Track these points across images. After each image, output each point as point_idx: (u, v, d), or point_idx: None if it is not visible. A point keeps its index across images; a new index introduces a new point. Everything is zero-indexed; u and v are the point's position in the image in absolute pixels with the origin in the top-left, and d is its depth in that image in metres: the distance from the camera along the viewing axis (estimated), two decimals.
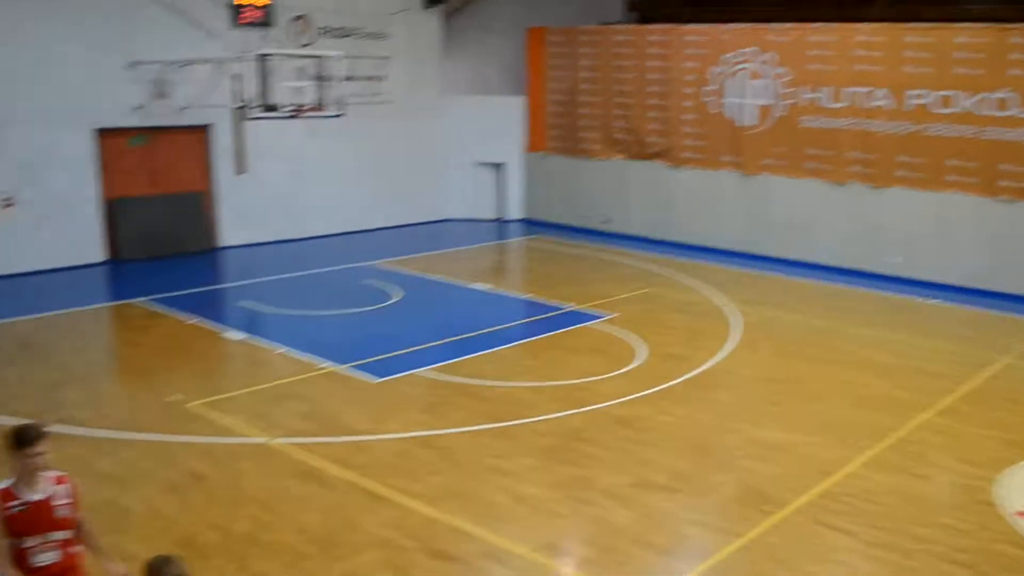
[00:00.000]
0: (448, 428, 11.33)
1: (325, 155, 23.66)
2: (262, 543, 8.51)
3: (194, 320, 15.95)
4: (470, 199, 26.91)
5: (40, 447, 5.45)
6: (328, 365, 13.56)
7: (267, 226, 22.90)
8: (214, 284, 19.72)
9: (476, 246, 23.88)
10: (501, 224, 26.53)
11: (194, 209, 21.77)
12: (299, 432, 11.07)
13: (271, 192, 22.76)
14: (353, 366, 13.53)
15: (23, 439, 5.43)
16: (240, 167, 20.26)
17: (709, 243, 22.89)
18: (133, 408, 11.88)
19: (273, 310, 16.73)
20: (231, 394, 12.44)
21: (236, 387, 12.75)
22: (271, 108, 18.10)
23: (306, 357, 13.92)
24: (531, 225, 26.08)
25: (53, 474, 5.69)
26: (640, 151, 24.24)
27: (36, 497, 5.51)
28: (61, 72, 19.11)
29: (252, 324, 15.91)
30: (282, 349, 14.30)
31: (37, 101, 18.90)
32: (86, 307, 17.18)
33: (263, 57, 17.95)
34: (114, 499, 9.31)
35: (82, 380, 13.04)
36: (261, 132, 21.42)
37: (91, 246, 20.19)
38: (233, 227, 22.45)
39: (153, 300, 17.15)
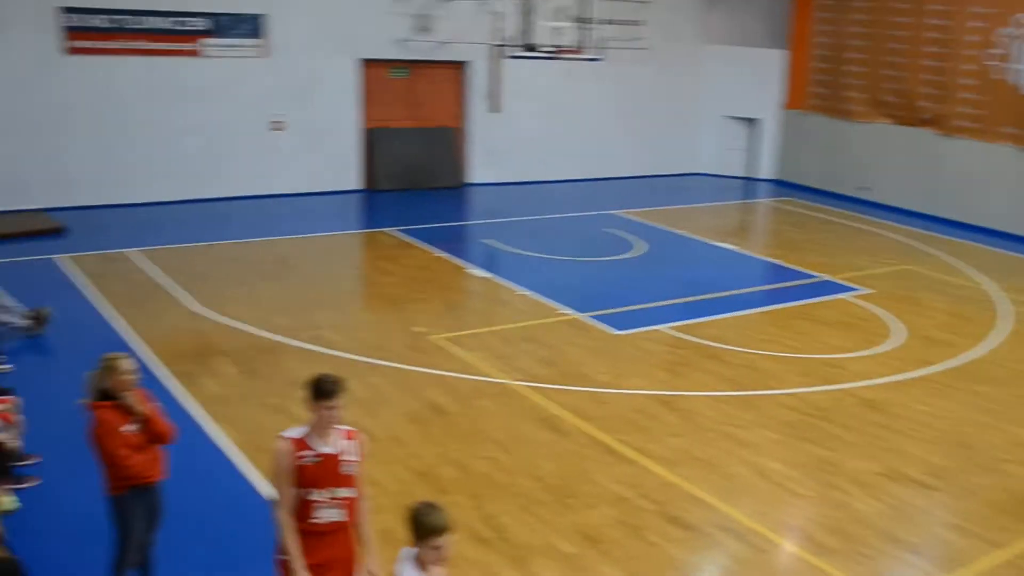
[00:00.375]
0: (689, 390, 11.01)
1: (578, 99, 23.51)
2: (498, 484, 8.54)
3: (441, 254, 16.29)
4: (719, 154, 26.16)
5: (338, 400, 5.30)
6: (569, 312, 13.49)
7: (515, 166, 23.08)
8: (461, 220, 20.09)
9: (723, 203, 23.19)
10: (750, 183, 25.65)
11: (446, 144, 22.18)
12: (538, 377, 11.06)
13: (522, 133, 22.87)
14: (593, 315, 13.39)
15: (323, 391, 5.28)
16: (494, 106, 20.42)
17: (978, 221, 21.20)
18: (381, 335, 12.22)
19: (516, 251, 16.83)
20: (474, 331, 12.59)
21: (478, 324, 12.90)
22: (530, 48, 18.05)
23: (547, 301, 13.90)
24: (782, 186, 25.06)
25: (344, 428, 5.54)
26: (909, 116, 22.68)
27: (327, 450, 5.34)
28: (332, 4, 19.77)
29: (495, 263, 16.07)
30: (523, 291, 14.35)
31: (309, 30, 19.67)
32: (341, 232, 17.88)
33: None
34: (358, 422, 9.53)
35: (335, 302, 13.56)
36: (517, 72, 21.51)
37: (348, 173, 20.99)
38: (482, 165, 22.76)
39: (404, 230, 17.64)
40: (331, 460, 5.34)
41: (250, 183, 19.66)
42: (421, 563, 4.61)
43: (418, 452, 9.07)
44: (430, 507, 4.66)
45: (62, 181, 17.83)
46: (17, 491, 7.76)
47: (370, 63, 20.74)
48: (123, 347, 11.11)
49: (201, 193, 19.11)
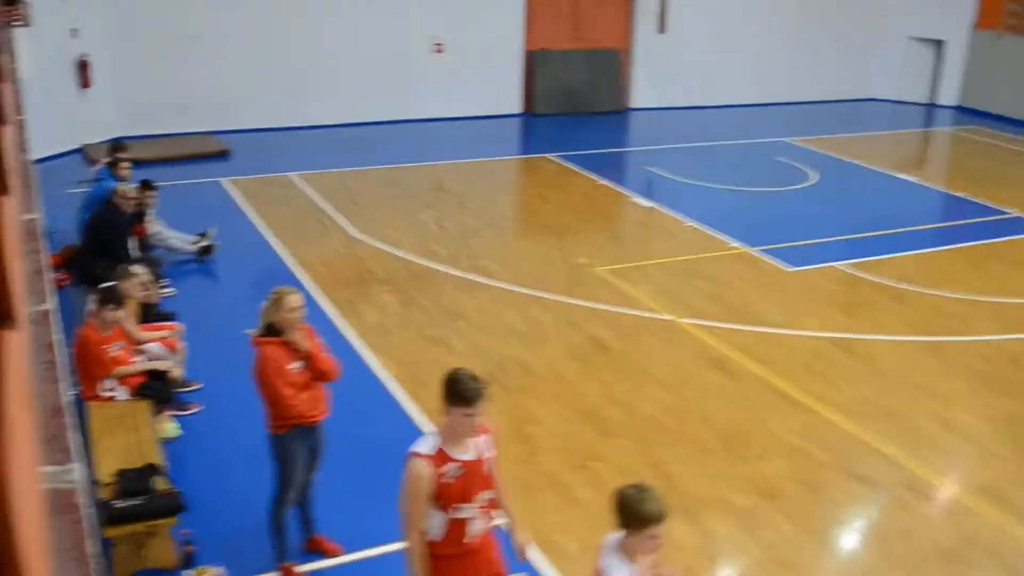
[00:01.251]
0: (870, 333, 10.24)
1: (748, 18, 22.26)
2: (666, 429, 8.08)
3: (604, 181, 15.73)
4: (900, 78, 24.42)
5: (480, 407, 4.42)
6: (738, 245, 12.78)
7: (680, 90, 22.12)
8: (624, 146, 19.44)
9: (903, 131, 21.73)
10: (932, 109, 23.91)
11: (611, 67, 21.41)
12: (707, 314, 10.46)
13: (688, 55, 21.84)
14: (764, 250, 12.65)
15: (463, 396, 4.40)
16: (662, 26, 19.53)
17: None
18: (542, 266, 11.82)
19: (682, 179, 16.09)
20: (638, 263, 12.06)
21: (643, 257, 12.35)
22: None
23: (715, 233, 13.21)
24: (968, 113, 23.25)
25: None
26: None
27: (469, 456, 4.57)
28: None
29: (660, 191, 15.40)
30: (691, 222, 13.68)
31: None
32: (501, 157, 17.52)
33: None
34: (518, 356, 9.27)
35: (494, 230, 13.24)
36: None
37: (509, 97, 20.52)
38: (645, 89, 21.91)
39: (564, 156, 17.12)
40: (475, 466, 4.59)
41: (409, 106, 19.43)
42: (629, 552, 4.05)
43: (580, 390, 8.68)
44: (644, 492, 4.02)
45: (226, 103, 17.98)
46: (179, 418, 7.76)
47: None
48: (284, 273, 11.10)
49: (360, 116, 18.99)
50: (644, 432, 8.01)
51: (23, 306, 2.68)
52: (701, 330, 10.05)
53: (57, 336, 3.58)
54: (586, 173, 16.13)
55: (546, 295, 10.79)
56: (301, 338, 5.63)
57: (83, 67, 16.43)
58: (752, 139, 19.47)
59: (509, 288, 10.95)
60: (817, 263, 12.32)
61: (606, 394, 8.62)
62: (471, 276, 11.25)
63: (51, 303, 3.86)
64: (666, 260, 12.19)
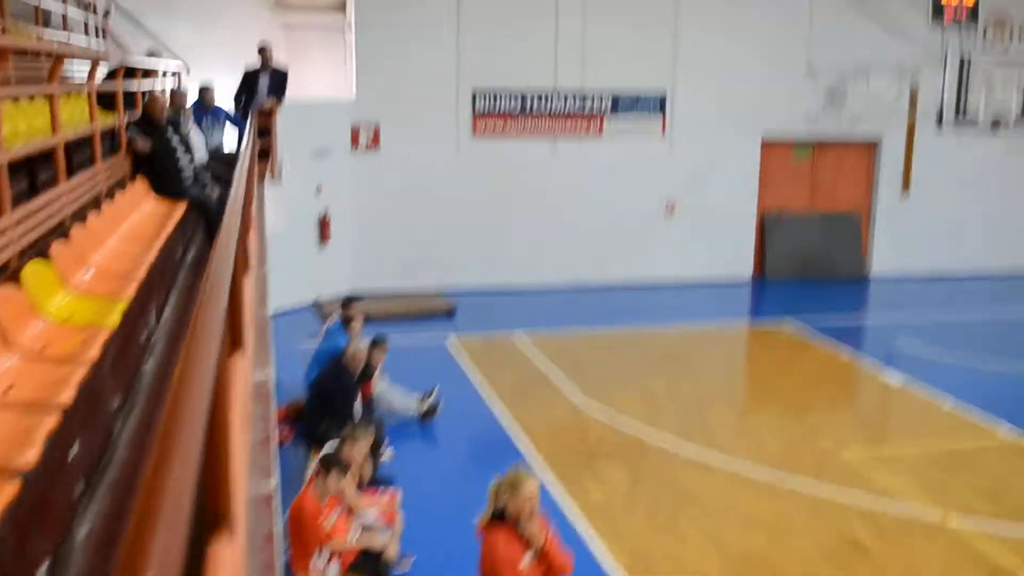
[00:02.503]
0: None
1: (1003, 176, 20.61)
2: None
3: (847, 354, 14.55)
4: None
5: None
6: (1011, 433, 11.28)
7: (924, 255, 20.64)
8: (867, 316, 18.14)
9: None
10: None
11: (850, 231, 20.34)
12: (983, 514, 9.08)
13: (934, 217, 20.45)
14: None
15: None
16: (905, 184, 18.56)
17: None
18: (783, 447, 10.73)
19: (938, 355, 14.64)
20: (894, 450, 10.79)
21: (899, 442, 11.09)
22: (967, 122, 15.99)
23: (983, 419, 11.76)
24: None
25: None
26: None
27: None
28: (736, 78, 18.86)
29: (911, 368, 13.95)
30: (951, 405, 12.27)
31: (711, 108, 18.85)
32: (734, 324, 16.67)
33: (965, 63, 15.88)
34: (763, 553, 8.22)
35: (729, 404, 12.35)
36: (931, 148, 19.49)
37: (741, 261, 19.76)
38: (887, 254, 20.62)
39: (803, 326, 16.06)
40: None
41: (640, 269, 18.97)
42: None
43: None
44: None
45: (457, 263, 18.09)
46: None
47: (770, 145, 19.50)
48: (506, 441, 10.57)
49: (587, 277, 18.67)
50: None
51: (241, 508, 2.18)
52: (978, 535, 8.69)
53: (277, 527, 3.07)
54: (826, 344, 15.00)
55: (790, 480, 9.72)
56: (537, 530, 4.96)
57: (323, 223, 16.96)
58: (1014, 311, 17.73)
59: (748, 470, 9.95)
60: None
61: None
62: (705, 454, 10.33)
63: (275, 479, 3.38)
64: (927, 449, 10.85)
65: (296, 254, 15.78)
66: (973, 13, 16.76)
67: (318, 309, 16.22)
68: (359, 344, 9.99)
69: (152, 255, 6.05)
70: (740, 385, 13.43)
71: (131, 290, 5.15)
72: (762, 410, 12.22)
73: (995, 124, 16.16)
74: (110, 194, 6.92)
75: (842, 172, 20.30)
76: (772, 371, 13.77)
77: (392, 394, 11.11)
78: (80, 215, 5.98)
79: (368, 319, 12.58)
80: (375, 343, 10.84)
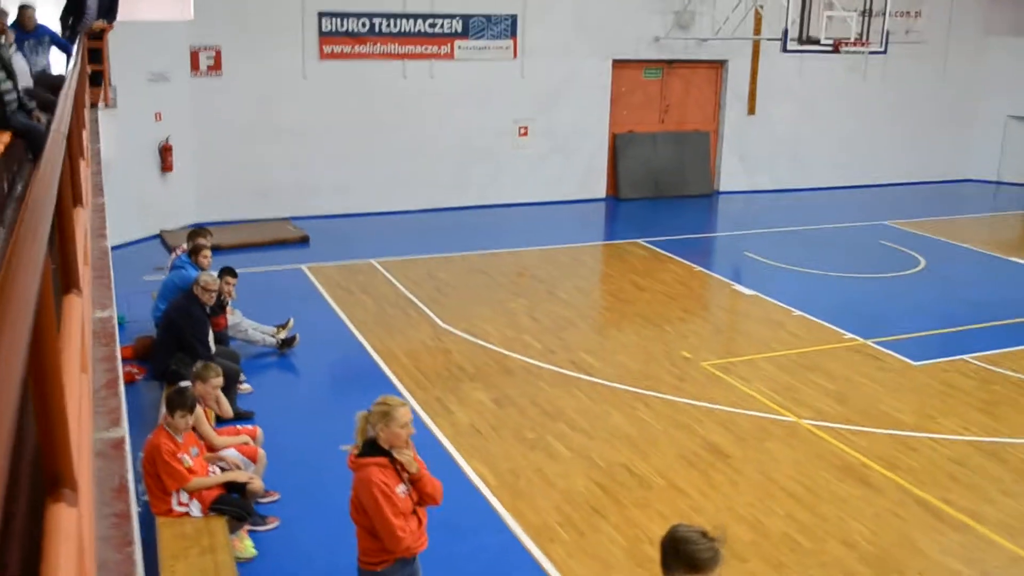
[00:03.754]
0: (1017, 437, 9.15)
1: (841, 98, 21.44)
2: (802, 550, 7.09)
3: (700, 268, 14.91)
4: (999, 158, 23.31)
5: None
6: (853, 337, 11.79)
7: (769, 172, 21.28)
8: (715, 231, 18.57)
9: (1008, 213, 20.56)
10: None
11: (699, 150, 20.71)
12: (832, 416, 9.47)
13: (778, 136, 21.06)
14: (883, 341, 11.65)
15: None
16: (750, 107, 18.87)
17: None
18: (644, 360, 10.93)
19: (781, 265, 15.17)
20: (747, 357, 11.12)
21: (752, 351, 11.40)
22: (812, 41, 16.34)
23: (827, 324, 12.24)
24: None
25: None
26: None
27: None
28: (587, 2, 18.78)
29: (760, 279, 14.44)
30: (799, 312, 12.72)
31: (562, 30, 18.73)
32: (588, 243, 16.81)
33: None
34: (630, 463, 8.37)
35: (589, 321, 12.47)
36: (776, 69, 19.94)
37: (595, 181, 19.89)
38: (734, 172, 21.13)
39: (654, 242, 16.33)
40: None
41: (493, 191, 18.89)
42: None
43: (701, 504, 7.74)
44: (701, 535, 3.45)
45: (307, 189, 17.61)
46: (256, 535, 6.97)
47: (622, 64, 19.55)
48: (369, 367, 10.42)
49: (443, 202, 18.48)
50: (776, 553, 7.02)
51: (83, 465, 1.99)
52: (828, 433, 9.07)
53: (129, 474, 2.85)
54: (680, 259, 15.31)
55: (652, 393, 9.91)
56: (411, 458, 4.84)
57: (165, 151, 16.19)
58: (850, 222, 18.49)
59: (611, 385, 10.09)
60: (942, 356, 11.29)
61: (729, 508, 7.67)
62: (569, 372, 10.42)
63: (123, 424, 3.13)
64: (778, 354, 11.23)
65: (137, 184, 15.06)
66: None
67: (163, 241, 15.56)
68: (209, 275, 9.56)
69: None
70: (599, 303, 13.56)
71: None
72: (621, 326, 12.38)
73: (836, 44, 16.55)
74: None
75: (691, 92, 20.55)
76: (629, 287, 13.96)
77: (247, 324, 10.76)
78: None
79: (217, 249, 12.11)
80: (225, 271, 10.43)
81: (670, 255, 15.56)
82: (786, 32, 16.73)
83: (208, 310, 9.43)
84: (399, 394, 9.57)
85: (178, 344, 9.09)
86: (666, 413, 9.42)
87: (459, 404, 9.53)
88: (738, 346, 11.74)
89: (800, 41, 16.53)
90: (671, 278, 14.39)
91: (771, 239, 16.91)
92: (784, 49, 17.03)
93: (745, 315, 13.19)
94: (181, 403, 6.61)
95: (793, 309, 12.81)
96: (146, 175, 15.83)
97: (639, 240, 16.48)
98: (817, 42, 16.50)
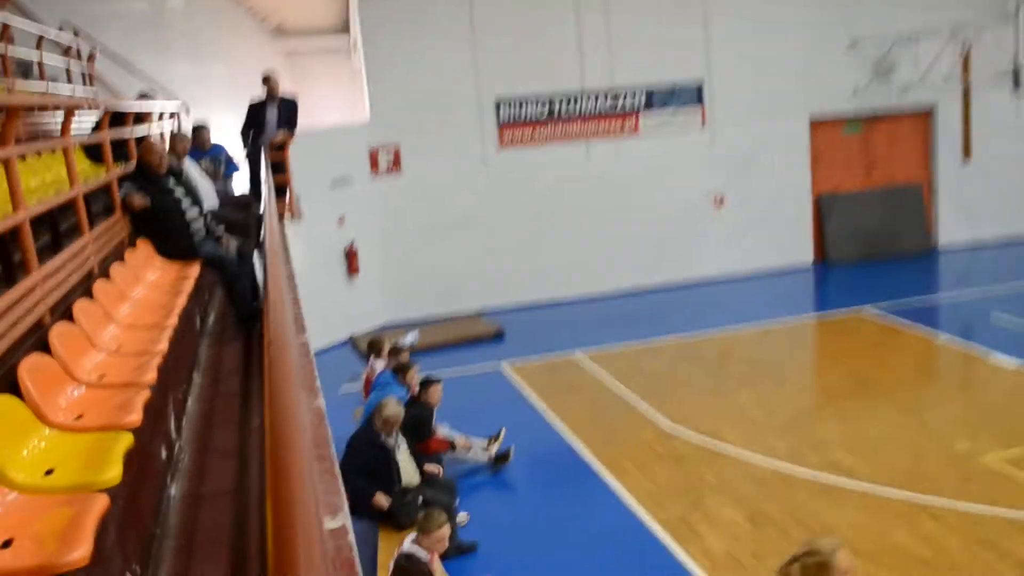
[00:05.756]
0: None
1: None
2: None
3: (943, 337, 13.15)
4: None
5: None
6: None
7: (993, 221, 19.17)
8: (945, 292, 16.65)
9: None
10: None
11: (912, 204, 18.90)
12: None
13: (999, 181, 18.98)
14: None
15: None
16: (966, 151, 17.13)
17: None
18: (914, 457, 9.34)
19: None
20: None
21: None
22: None
23: None
24: None
25: None
26: None
27: None
28: (773, 58, 17.51)
29: (1019, 346, 12.52)
30: None
31: (752, 91, 17.50)
32: (806, 316, 15.29)
33: None
34: None
35: (834, 411, 10.94)
36: (990, 110, 18.12)
37: (799, 247, 18.36)
38: (953, 223, 19.16)
39: (881, 309, 14.65)
40: None
41: (691, 267, 17.63)
42: None
43: None
44: None
45: (496, 280, 16.83)
46: None
47: (819, 124, 18.11)
48: (596, 484, 9.25)
49: (638, 283, 17.33)
50: None
51: None
52: None
53: None
54: (917, 328, 13.60)
55: (934, 499, 8.33)
56: None
57: (351, 255, 15.73)
58: None
59: (883, 491, 8.57)
60: None
61: None
62: (828, 476, 8.96)
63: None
64: None
65: (325, 290, 14.56)
66: None
67: (354, 345, 14.99)
68: (396, 406, 8.56)
69: (163, 344, 4.78)
70: (837, 387, 11.90)
71: (138, 408, 3.87)
72: (873, 415, 10.67)
73: None
74: (104, 271, 5.65)
75: (897, 144, 18.86)
76: (868, 367, 12.29)
77: (457, 438, 9.80)
78: (65, 305, 4.71)
79: (410, 352, 11.31)
80: (426, 385, 9.57)
81: (904, 324, 13.87)
82: (1017, 73, 14.97)
83: (396, 440, 8.52)
84: (632, 511, 8.40)
85: (367, 481, 8.24)
86: (960, 527, 7.83)
87: (708, 525, 8.22)
88: (1020, 434, 9.96)
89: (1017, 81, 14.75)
90: (913, 352, 12.73)
91: (1014, 299, 14.89)
92: (1016, 86, 15.23)
93: (1016, 393, 11.33)
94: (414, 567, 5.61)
95: None
96: (333, 280, 15.39)
97: (863, 308, 14.82)
98: None
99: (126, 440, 3.58)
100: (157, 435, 4.39)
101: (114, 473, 3.30)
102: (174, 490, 4.52)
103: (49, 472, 3.34)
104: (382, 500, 8.26)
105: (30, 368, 3.78)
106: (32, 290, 4.32)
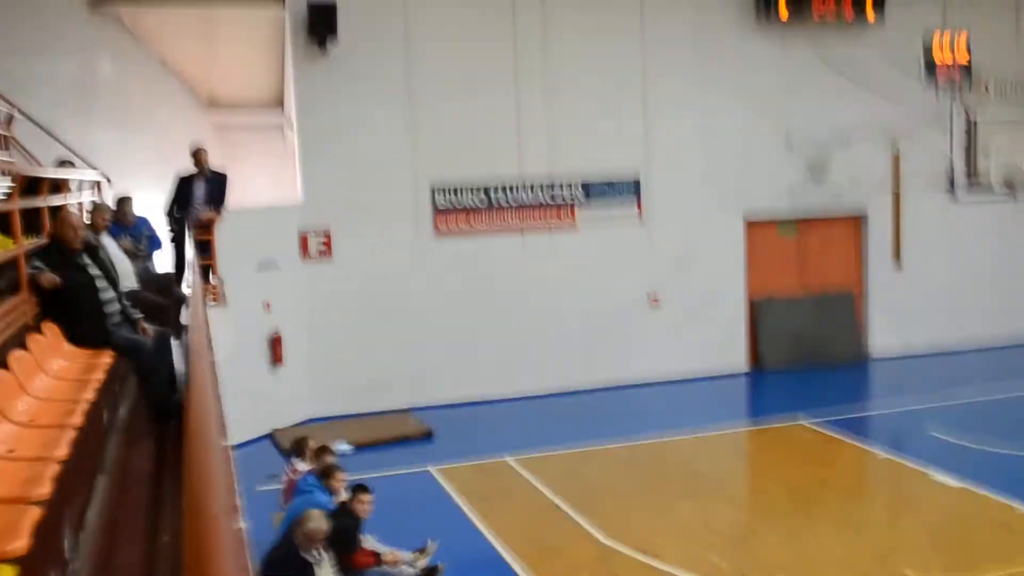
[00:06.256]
0: None
1: (1000, 238, 19.35)
2: None
3: (882, 452, 12.87)
4: None
5: None
6: None
7: (922, 332, 19.18)
8: (880, 404, 16.44)
9: None
10: None
11: (844, 311, 18.87)
12: None
13: (929, 290, 19.05)
14: None
15: None
16: (898, 262, 17.24)
17: None
18: None
19: (977, 445, 13.03)
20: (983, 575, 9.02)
21: (982, 565, 9.29)
22: (981, 187, 14.71)
23: None
24: None
25: None
26: None
27: None
28: (712, 155, 17.51)
29: (959, 463, 12.22)
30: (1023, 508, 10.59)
31: (690, 188, 17.43)
32: (743, 425, 14.96)
33: (972, 125, 14.64)
34: None
35: (777, 529, 10.45)
36: (921, 216, 18.31)
37: (734, 352, 18.12)
38: (885, 331, 19.13)
39: (818, 422, 14.36)
40: None
41: (627, 368, 17.18)
42: None
43: None
44: None
45: (426, 375, 16.22)
46: None
47: (754, 224, 18.06)
48: None
49: (573, 383, 16.82)
50: None
51: None
52: None
53: None
54: (855, 442, 13.33)
55: None
56: None
57: (275, 343, 15.02)
58: None
59: None
60: None
61: None
62: None
63: None
64: (1020, 569, 9.11)
65: (247, 379, 13.70)
66: (967, 71, 15.66)
67: (275, 442, 14.19)
68: (320, 521, 7.83)
69: (62, 449, 4.13)
70: (778, 503, 11.41)
71: (23, 531, 3.24)
72: (817, 534, 10.18)
73: (1009, 186, 14.86)
74: (2, 359, 4.97)
75: (831, 248, 18.91)
76: (807, 482, 11.88)
77: (383, 552, 9.07)
78: None
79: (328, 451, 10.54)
80: (358, 489, 8.87)
81: (840, 437, 13.59)
82: (952, 178, 15.08)
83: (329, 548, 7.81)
84: None
85: None
86: None
87: None
88: (968, 559, 9.59)
89: (969, 187, 14.85)
90: (852, 467, 12.45)
91: (950, 412, 14.71)
92: (950, 193, 15.34)
93: (960, 515, 10.96)
94: None
95: (1017, 505, 10.68)
96: (255, 369, 14.62)
97: (799, 418, 14.51)
98: (984, 187, 14.81)
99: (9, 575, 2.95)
100: (47, 561, 3.71)
101: None
102: None
103: None
104: None
105: None
106: None
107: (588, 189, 17.13)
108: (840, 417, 14.54)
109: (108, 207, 10.45)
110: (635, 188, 17.36)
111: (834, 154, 17.84)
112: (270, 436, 14.44)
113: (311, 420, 15.27)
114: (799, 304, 18.56)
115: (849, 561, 9.36)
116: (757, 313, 18.30)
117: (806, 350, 18.32)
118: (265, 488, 11.51)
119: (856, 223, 18.97)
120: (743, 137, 17.64)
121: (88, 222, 8.49)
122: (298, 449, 9.95)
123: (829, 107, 17.76)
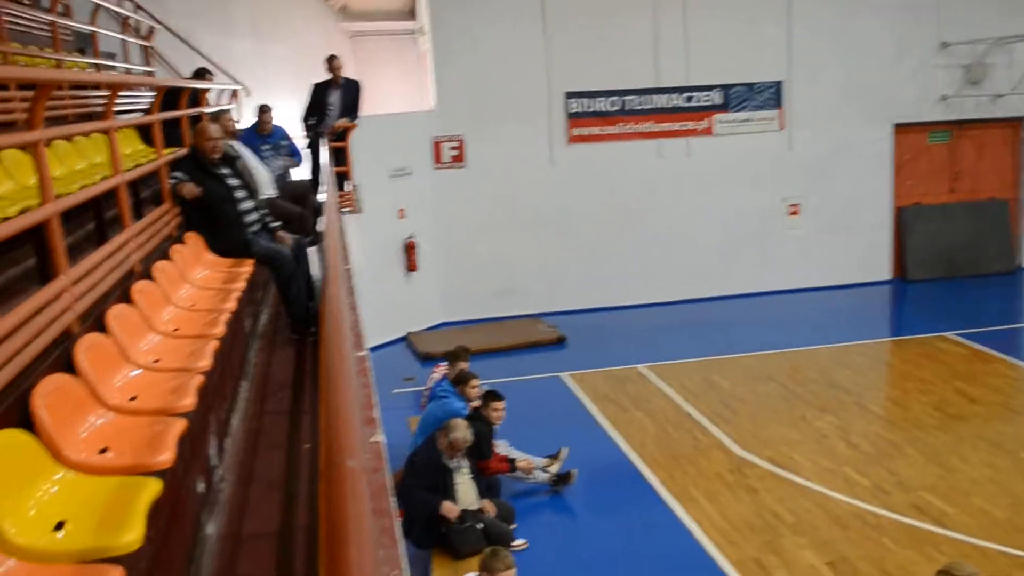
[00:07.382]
0: None
1: None
2: None
3: None
4: None
5: None
6: None
7: None
8: None
9: None
10: None
11: (997, 222, 17.90)
12: None
13: None
14: None
15: None
16: None
17: None
18: (1011, 505, 8.55)
19: None
20: None
21: None
22: None
23: None
24: None
25: None
26: None
27: None
28: (858, 60, 16.64)
29: None
30: None
31: (834, 94, 16.65)
32: (886, 338, 14.45)
33: None
34: None
35: (920, 446, 10.06)
36: None
37: (877, 262, 17.45)
38: None
39: (966, 335, 13.77)
40: None
41: (762, 278, 16.81)
42: None
43: None
44: None
45: (558, 283, 16.18)
46: None
47: (904, 128, 17.18)
48: (666, 516, 8.58)
49: (706, 292, 16.58)
50: None
51: None
52: None
53: None
54: (1009, 358, 12.72)
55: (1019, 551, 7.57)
56: None
57: (409, 250, 15.18)
58: None
59: (978, 544, 7.81)
60: None
61: None
62: (916, 523, 8.22)
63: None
64: None
65: (381, 286, 13.98)
66: None
67: (410, 345, 14.46)
68: (464, 429, 7.90)
69: (206, 360, 4.21)
70: (923, 420, 10.92)
71: (171, 443, 3.31)
72: (962, 454, 9.76)
73: None
74: (146, 270, 5.09)
75: (985, 154, 17.86)
76: (955, 399, 11.42)
77: (516, 457, 9.17)
78: (98, 311, 4.14)
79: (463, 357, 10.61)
80: (490, 396, 8.94)
81: (993, 352, 12.99)
82: None
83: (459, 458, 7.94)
84: (707, 554, 7.73)
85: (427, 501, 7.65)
86: None
87: (786, 569, 7.53)
88: None
89: None
90: (1005, 384, 11.87)
91: None
92: None
93: None
94: None
95: None
96: (390, 276, 14.85)
97: (947, 333, 13.94)
98: None
99: (153, 489, 3.01)
100: (192, 472, 3.82)
101: (134, 536, 2.72)
102: (210, 529, 3.97)
103: (59, 527, 2.78)
104: (451, 509, 7.65)
105: (47, 392, 3.22)
106: (59, 295, 3.76)
107: (727, 96, 16.55)
108: (990, 329, 13.91)
109: (236, 119, 10.57)
110: (776, 95, 16.68)
111: (992, 58, 16.74)
112: (404, 339, 14.70)
113: (444, 324, 15.49)
114: (949, 212, 17.68)
115: (1003, 485, 8.98)
116: (904, 221, 17.52)
117: (955, 261, 17.51)
118: (400, 390, 11.79)
119: (1015, 128, 17.85)
120: (892, 39, 16.67)
121: (225, 131, 8.60)
122: (454, 356, 9.89)
123: (986, 8, 16.61)
